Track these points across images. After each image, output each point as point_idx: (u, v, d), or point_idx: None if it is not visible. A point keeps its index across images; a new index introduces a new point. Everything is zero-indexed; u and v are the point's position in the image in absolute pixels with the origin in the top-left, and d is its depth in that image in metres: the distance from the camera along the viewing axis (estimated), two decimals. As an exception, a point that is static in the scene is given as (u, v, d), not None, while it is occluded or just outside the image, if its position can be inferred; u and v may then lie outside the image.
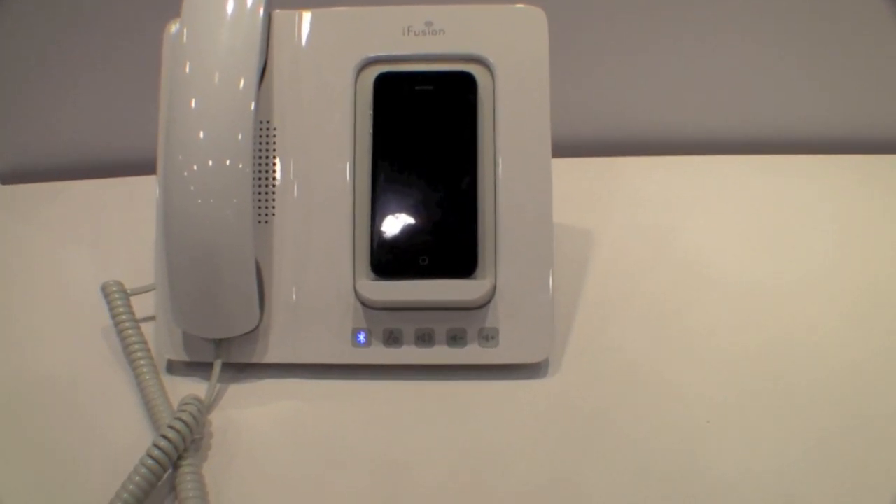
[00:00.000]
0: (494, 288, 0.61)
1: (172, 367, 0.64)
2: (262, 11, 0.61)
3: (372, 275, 0.61)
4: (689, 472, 0.55)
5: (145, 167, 0.68)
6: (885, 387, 0.60)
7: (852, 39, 0.83)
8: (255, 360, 0.62)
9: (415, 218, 0.61)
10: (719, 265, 0.71)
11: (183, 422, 0.55)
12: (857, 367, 0.62)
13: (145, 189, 0.67)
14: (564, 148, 0.68)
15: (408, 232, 0.61)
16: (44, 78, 0.86)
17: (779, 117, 0.88)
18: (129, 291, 0.65)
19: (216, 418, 0.60)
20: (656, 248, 0.73)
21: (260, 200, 0.63)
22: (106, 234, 0.78)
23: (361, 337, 0.61)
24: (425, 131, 0.62)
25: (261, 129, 0.63)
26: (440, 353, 0.61)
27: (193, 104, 0.58)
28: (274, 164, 0.63)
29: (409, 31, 0.63)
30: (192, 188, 0.57)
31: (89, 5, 0.83)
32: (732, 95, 0.87)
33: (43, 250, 0.78)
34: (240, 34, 0.60)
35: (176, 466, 0.55)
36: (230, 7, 0.61)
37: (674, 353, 0.63)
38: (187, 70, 0.59)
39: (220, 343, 0.62)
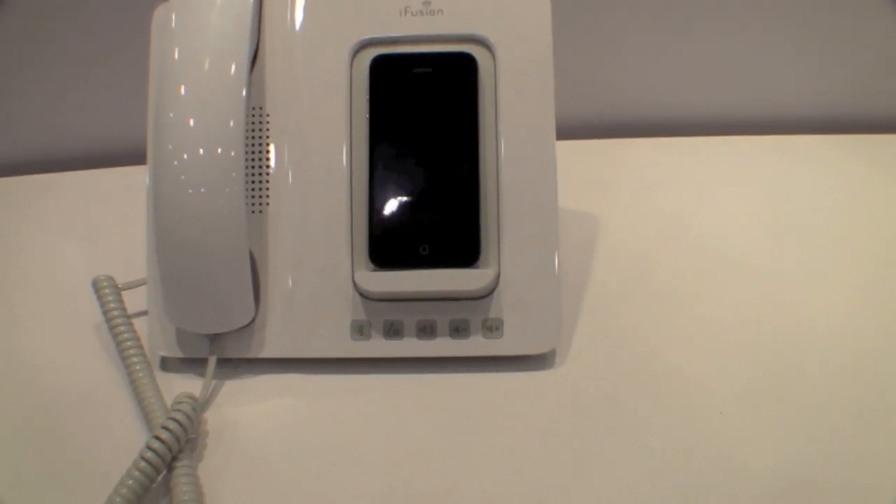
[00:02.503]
0: (498, 277, 0.59)
1: (166, 364, 0.62)
2: (252, -6, 0.59)
3: (371, 265, 0.59)
4: (702, 463, 0.53)
5: (137, 157, 0.67)
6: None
7: (860, 17, 0.81)
8: (251, 355, 0.60)
9: (414, 205, 0.59)
10: (730, 250, 0.69)
11: (177, 421, 0.54)
12: (873, 353, 0.60)
13: (137, 179, 0.65)
14: (569, 130, 0.66)
15: (407, 220, 0.59)
16: (32, 69, 0.85)
17: (788, 97, 0.86)
18: (120, 286, 0.63)
19: (212, 416, 0.58)
20: (665, 233, 0.71)
21: (253, 189, 0.61)
22: (98, 226, 0.77)
23: (361, 329, 0.60)
24: (424, 115, 0.60)
25: (253, 116, 0.61)
26: (443, 345, 0.60)
27: (183, 91, 0.57)
28: (267, 151, 0.61)
29: (406, 11, 0.62)
30: (182, 178, 0.56)
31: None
32: (740, 75, 0.85)
33: (34, 244, 0.76)
34: (230, 17, 0.59)
35: (170, 468, 0.53)
36: (220, -10, 0.59)
37: (684, 341, 0.62)
38: (176, 56, 0.58)
39: (214, 338, 0.60)
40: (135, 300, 0.64)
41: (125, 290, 0.64)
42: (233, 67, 0.57)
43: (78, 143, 0.89)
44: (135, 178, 0.68)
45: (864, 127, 0.83)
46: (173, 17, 0.59)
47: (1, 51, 0.84)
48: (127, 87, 0.77)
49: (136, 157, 0.70)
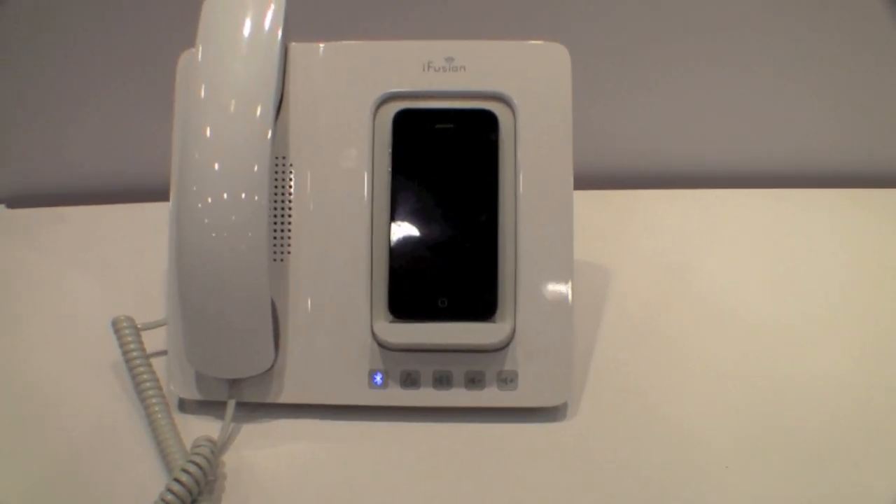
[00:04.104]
0: (514, 330, 0.60)
1: (185, 406, 0.62)
2: (279, 42, 0.60)
3: (390, 316, 0.60)
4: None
5: (154, 193, 0.67)
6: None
7: (870, 73, 0.83)
8: (269, 399, 0.61)
9: (434, 259, 0.60)
10: (739, 303, 0.70)
11: (196, 465, 0.54)
12: (881, 407, 0.61)
13: (153, 216, 0.66)
14: (582, 180, 0.66)
15: (427, 273, 0.60)
16: (51, 100, 0.85)
17: (799, 151, 0.87)
18: (140, 327, 0.64)
19: (230, 459, 0.58)
20: (675, 285, 0.72)
21: (276, 237, 0.61)
22: (114, 261, 0.77)
23: (378, 378, 0.60)
24: (445, 170, 0.61)
25: (277, 165, 0.62)
26: (458, 396, 0.60)
27: (208, 133, 0.57)
28: (290, 200, 0.62)
29: (429, 66, 0.62)
30: (206, 221, 0.56)
31: (97, 27, 0.82)
32: (752, 129, 0.86)
33: (49, 278, 0.76)
34: (256, 64, 0.59)
35: (190, 511, 0.54)
36: (247, 36, 0.60)
37: (691, 394, 0.63)
38: (202, 98, 0.58)
39: (233, 382, 0.61)
40: (154, 340, 0.64)
41: (144, 330, 0.64)
42: (258, 112, 0.58)
43: (93, 177, 0.89)
44: (148, 215, 0.69)
45: (876, 181, 0.84)
46: (200, 62, 0.59)
47: (19, 82, 0.84)
48: (143, 122, 0.78)
49: (150, 193, 0.71)
